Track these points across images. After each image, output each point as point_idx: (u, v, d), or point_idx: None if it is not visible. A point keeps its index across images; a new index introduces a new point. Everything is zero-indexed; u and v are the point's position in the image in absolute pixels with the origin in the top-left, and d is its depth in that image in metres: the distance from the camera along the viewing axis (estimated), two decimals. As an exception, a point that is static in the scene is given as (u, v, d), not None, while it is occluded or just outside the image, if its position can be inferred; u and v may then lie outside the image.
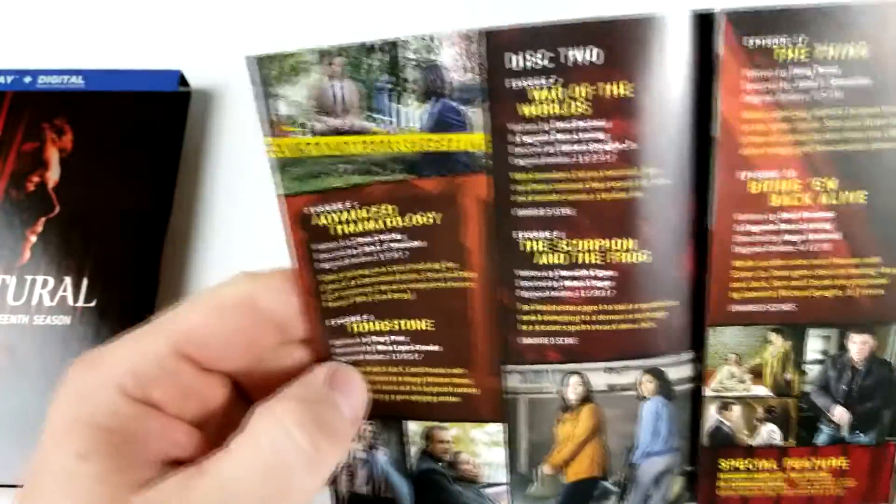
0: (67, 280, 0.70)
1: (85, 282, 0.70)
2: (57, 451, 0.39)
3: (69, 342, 0.69)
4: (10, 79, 0.77)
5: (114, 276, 0.71)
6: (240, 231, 0.76)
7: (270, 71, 0.43)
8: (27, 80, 0.77)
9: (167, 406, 0.42)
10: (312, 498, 0.42)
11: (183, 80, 0.79)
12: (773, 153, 0.43)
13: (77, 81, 0.77)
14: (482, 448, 0.49)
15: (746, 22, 0.42)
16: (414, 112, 0.43)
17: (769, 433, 0.48)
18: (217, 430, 0.45)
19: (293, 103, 0.44)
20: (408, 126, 0.43)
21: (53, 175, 0.74)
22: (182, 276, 0.75)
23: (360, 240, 0.46)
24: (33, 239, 0.71)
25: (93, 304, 0.70)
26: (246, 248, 0.75)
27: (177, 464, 0.41)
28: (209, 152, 0.79)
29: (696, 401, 0.48)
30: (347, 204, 0.45)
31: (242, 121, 0.80)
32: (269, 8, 0.84)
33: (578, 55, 0.42)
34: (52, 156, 0.74)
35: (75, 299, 0.70)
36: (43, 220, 0.72)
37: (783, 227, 0.44)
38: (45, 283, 0.70)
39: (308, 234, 0.46)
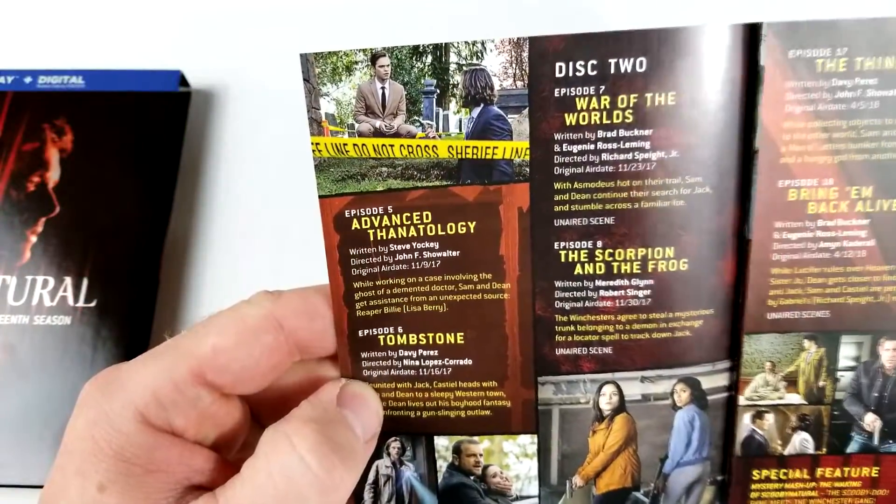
0: (67, 280, 0.71)
1: (85, 282, 0.71)
2: (76, 481, 0.39)
3: (69, 342, 0.69)
4: (10, 79, 0.77)
5: (114, 276, 0.71)
6: (239, 231, 0.76)
7: (320, 68, 0.43)
8: (27, 80, 0.77)
9: (187, 433, 0.42)
10: None
11: (183, 80, 0.79)
12: (811, 161, 0.44)
13: (77, 81, 0.77)
14: (513, 460, 0.49)
15: (791, 35, 0.42)
16: (458, 117, 0.43)
17: (801, 442, 0.48)
18: (234, 451, 0.45)
19: (339, 102, 0.43)
20: (451, 131, 0.44)
21: (53, 175, 0.74)
22: (182, 277, 0.75)
23: (396, 247, 0.45)
24: (33, 239, 0.71)
25: (93, 304, 0.70)
26: (246, 248, 0.75)
27: (195, 489, 0.41)
28: (209, 152, 0.79)
29: (728, 410, 0.48)
30: (385, 208, 0.45)
31: (242, 121, 0.80)
32: (270, 8, 0.84)
33: (623, 64, 0.42)
34: (52, 156, 0.74)
35: (75, 299, 0.70)
36: (43, 220, 0.72)
37: (820, 234, 0.45)
38: (45, 283, 0.71)
39: (344, 237, 0.45)
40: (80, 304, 0.70)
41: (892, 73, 0.43)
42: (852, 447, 0.48)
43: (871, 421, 0.48)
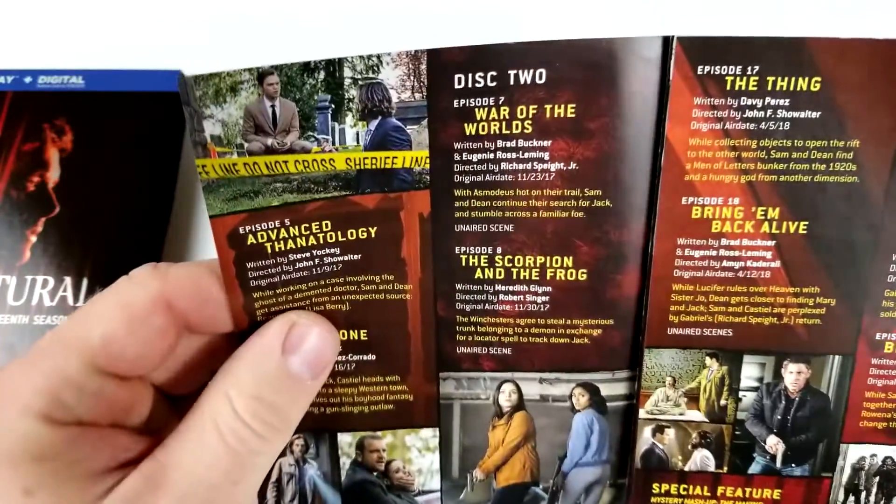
0: (67, 280, 0.71)
1: (85, 282, 0.71)
2: None
3: (69, 342, 0.69)
4: (10, 79, 0.78)
5: (114, 276, 0.70)
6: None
7: (203, 91, 0.42)
8: (27, 80, 0.78)
9: (98, 420, 0.40)
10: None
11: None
12: (717, 180, 0.43)
13: (77, 81, 0.78)
14: (416, 454, 0.50)
15: (700, 50, 0.41)
16: (355, 130, 0.43)
17: (703, 459, 0.48)
18: (153, 425, 0.44)
19: (225, 123, 0.43)
20: (348, 144, 0.43)
21: (53, 175, 0.74)
22: (180, 277, 0.75)
23: (295, 256, 0.45)
24: (33, 239, 0.72)
25: (93, 304, 0.70)
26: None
27: (129, 463, 0.40)
28: (209, 153, 0.79)
29: (627, 418, 0.49)
30: (282, 221, 0.44)
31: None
32: (270, 9, 0.84)
33: (523, 75, 0.42)
34: (52, 156, 0.75)
35: (75, 299, 0.70)
36: (43, 220, 0.73)
37: (723, 252, 0.44)
38: (45, 283, 0.71)
39: (240, 253, 0.44)
40: (80, 304, 0.70)
41: (805, 95, 0.42)
42: (754, 468, 0.48)
43: (774, 444, 0.47)
